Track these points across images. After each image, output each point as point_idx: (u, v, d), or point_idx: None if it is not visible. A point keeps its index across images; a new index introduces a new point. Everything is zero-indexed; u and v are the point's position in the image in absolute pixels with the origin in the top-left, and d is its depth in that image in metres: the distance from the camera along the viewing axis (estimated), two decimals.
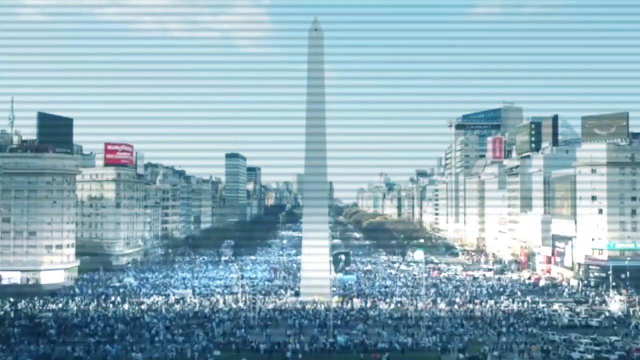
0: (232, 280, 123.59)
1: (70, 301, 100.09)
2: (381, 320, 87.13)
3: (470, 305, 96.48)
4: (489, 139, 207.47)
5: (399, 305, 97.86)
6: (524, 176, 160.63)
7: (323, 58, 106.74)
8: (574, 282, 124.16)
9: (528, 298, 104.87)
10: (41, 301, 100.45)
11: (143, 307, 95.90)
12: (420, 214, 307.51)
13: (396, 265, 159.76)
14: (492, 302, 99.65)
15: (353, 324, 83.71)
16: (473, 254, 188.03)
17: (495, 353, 67.98)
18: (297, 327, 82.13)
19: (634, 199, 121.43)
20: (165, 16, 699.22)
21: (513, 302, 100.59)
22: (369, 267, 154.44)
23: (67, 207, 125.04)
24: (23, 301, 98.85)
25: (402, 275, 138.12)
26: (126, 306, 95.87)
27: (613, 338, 74.45)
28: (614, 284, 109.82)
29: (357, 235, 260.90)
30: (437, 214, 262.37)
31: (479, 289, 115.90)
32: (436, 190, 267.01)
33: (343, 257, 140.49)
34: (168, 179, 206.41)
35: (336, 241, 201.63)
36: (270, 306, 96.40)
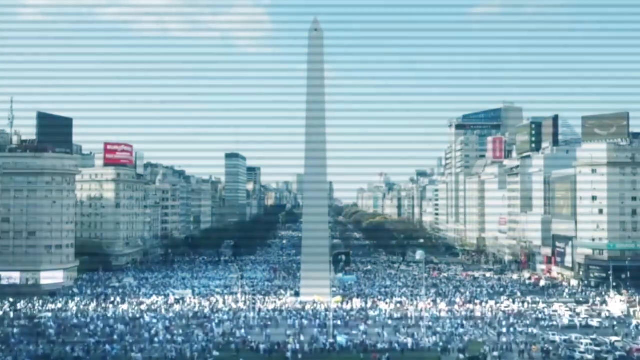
0: (232, 280, 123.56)
1: (69, 301, 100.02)
2: (381, 320, 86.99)
3: (471, 306, 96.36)
4: (489, 139, 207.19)
5: (398, 305, 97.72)
6: (524, 176, 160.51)
7: (323, 58, 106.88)
8: (574, 283, 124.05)
9: (528, 298, 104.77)
10: (41, 301, 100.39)
11: (143, 307, 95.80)
12: (421, 214, 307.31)
13: (396, 265, 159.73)
14: (492, 302, 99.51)
15: (353, 325, 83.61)
16: (473, 254, 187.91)
17: (496, 353, 67.83)
18: (297, 327, 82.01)
19: (634, 199, 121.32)
20: (165, 16, 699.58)
21: (513, 302, 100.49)
22: (369, 267, 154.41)
23: (67, 207, 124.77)
24: (22, 301, 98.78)
25: (402, 275, 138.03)
26: (126, 306, 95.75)
27: (613, 338, 74.37)
28: (614, 284, 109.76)
29: (357, 235, 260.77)
30: (437, 214, 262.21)
31: (479, 289, 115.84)
32: (436, 190, 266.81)
33: (343, 257, 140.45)
34: (168, 179, 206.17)
35: (336, 241, 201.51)
36: (270, 306, 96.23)
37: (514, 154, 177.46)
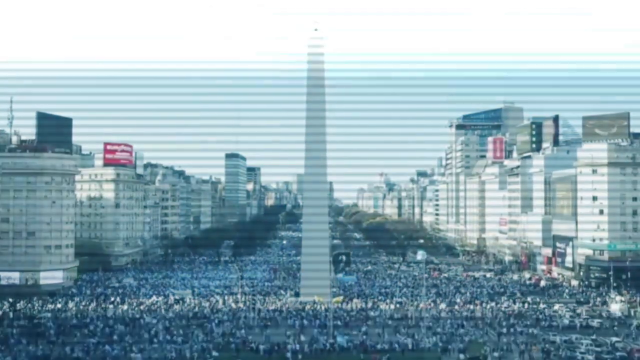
0: (232, 280, 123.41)
1: (69, 301, 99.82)
2: (381, 321, 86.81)
3: (471, 306, 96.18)
4: (490, 139, 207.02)
5: (398, 305, 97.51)
6: (524, 176, 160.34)
7: (323, 58, 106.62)
8: (574, 283, 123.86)
9: (529, 299, 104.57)
10: (40, 301, 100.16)
11: (142, 307, 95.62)
12: (421, 214, 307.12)
13: (396, 265, 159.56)
14: (492, 302, 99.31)
15: (353, 325, 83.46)
16: (474, 254, 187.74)
17: (496, 354, 67.75)
18: (297, 327, 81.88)
19: (634, 199, 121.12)
20: (165, 16, 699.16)
21: (514, 302, 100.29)
22: (369, 267, 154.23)
23: (66, 207, 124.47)
24: (22, 301, 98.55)
25: (402, 275, 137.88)
26: (125, 307, 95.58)
27: (614, 339, 74.32)
28: (614, 284, 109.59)
29: (357, 235, 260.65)
30: (437, 215, 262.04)
31: (479, 290, 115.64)
32: (437, 190, 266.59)
33: (343, 257, 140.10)
34: (167, 179, 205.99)
35: (336, 241, 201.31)
36: (270, 307, 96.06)
37: (515, 154, 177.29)
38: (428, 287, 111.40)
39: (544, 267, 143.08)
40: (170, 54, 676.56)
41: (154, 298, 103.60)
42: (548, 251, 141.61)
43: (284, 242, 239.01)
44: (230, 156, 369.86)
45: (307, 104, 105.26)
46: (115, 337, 75.53)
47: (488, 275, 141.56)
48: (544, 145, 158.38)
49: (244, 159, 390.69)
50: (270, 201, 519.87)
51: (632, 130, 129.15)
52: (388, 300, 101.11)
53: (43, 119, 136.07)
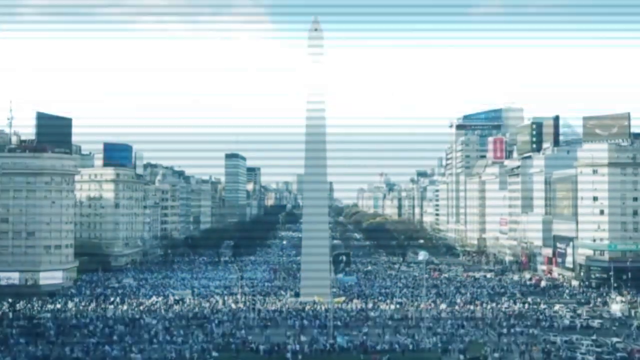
0: (232, 281, 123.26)
1: (69, 302, 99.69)
2: (381, 321, 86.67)
3: (471, 306, 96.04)
4: (490, 139, 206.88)
5: (398, 306, 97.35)
6: (525, 176, 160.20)
7: (323, 58, 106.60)
8: (575, 283, 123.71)
9: (529, 299, 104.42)
10: (40, 302, 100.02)
11: (142, 308, 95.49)
12: (421, 215, 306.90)
13: (396, 266, 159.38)
14: (493, 303, 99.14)
15: (354, 325, 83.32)
16: (474, 254, 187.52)
17: (496, 354, 67.67)
18: (297, 328, 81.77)
19: (635, 199, 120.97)
20: (166, 16, 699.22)
21: (514, 303, 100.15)
22: (369, 267, 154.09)
23: (66, 207, 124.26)
24: (22, 302, 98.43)
25: (402, 276, 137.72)
26: (125, 307, 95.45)
27: (615, 339, 74.19)
28: (615, 285, 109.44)
29: (357, 235, 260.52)
30: (437, 215, 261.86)
31: (479, 290, 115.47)
32: (437, 190, 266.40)
33: (343, 257, 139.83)
34: (167, 179, 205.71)
35: (336, 241, 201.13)
36: (270, 307, 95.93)
37: (515, 154, 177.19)
38: (428, 288, 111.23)
39: (544, 267, 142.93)
40: (170, 54, 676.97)
41: (154, 298, 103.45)
42: (548, 251, 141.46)
43: (284, 242, 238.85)
44: (230, 156, 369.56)
45: (307, 103, 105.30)
46: (115, 338, 75.48)
47: (488, 275, 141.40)
48: (544, 145, 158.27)
49: (244, 159, 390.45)
50: (270, 201, 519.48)
51: (633, 130, 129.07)
52: (388, 301, 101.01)
53: (43, 119, 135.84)
